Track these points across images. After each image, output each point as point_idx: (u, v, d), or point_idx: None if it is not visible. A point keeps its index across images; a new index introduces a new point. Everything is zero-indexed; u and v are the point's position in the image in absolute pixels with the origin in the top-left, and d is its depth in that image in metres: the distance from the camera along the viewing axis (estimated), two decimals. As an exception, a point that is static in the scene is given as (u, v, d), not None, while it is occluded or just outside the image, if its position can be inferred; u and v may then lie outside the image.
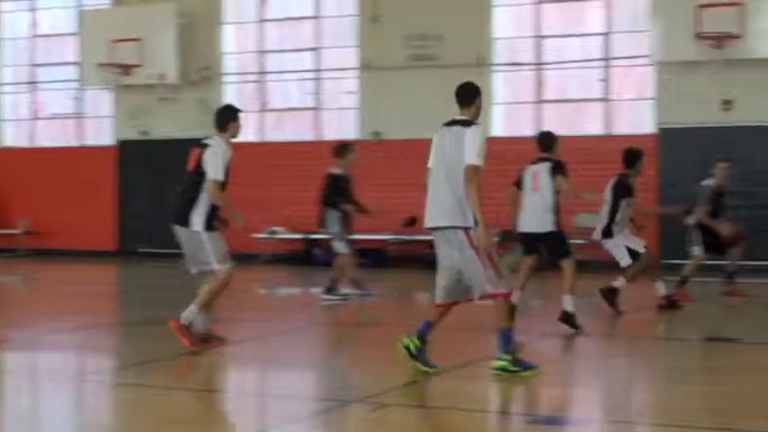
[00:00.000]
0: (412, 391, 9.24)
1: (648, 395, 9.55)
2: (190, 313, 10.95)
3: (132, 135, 25.43)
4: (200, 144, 11.05)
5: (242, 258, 23.26)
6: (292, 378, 10.27)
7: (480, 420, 8.48)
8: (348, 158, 15.86)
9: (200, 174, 10.84)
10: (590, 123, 21.94)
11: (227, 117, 11.14)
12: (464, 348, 11.79)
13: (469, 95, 10.05)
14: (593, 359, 11.32)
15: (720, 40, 19.75)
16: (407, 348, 9.74)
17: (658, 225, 20.95)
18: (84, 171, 25.66)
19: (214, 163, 10.79)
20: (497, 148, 22.01)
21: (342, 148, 16.05)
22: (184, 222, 10.86)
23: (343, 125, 23.84)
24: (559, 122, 22.10)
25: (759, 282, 18.55)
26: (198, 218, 10.84)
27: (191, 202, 10.84)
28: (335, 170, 15.80)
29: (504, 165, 21.61)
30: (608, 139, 21.62)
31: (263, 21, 24.65)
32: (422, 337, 9.77)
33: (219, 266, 10.90)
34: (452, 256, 9.71)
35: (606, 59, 21.78)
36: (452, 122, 9.92)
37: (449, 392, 9.31)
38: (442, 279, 9.79)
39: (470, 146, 9.56)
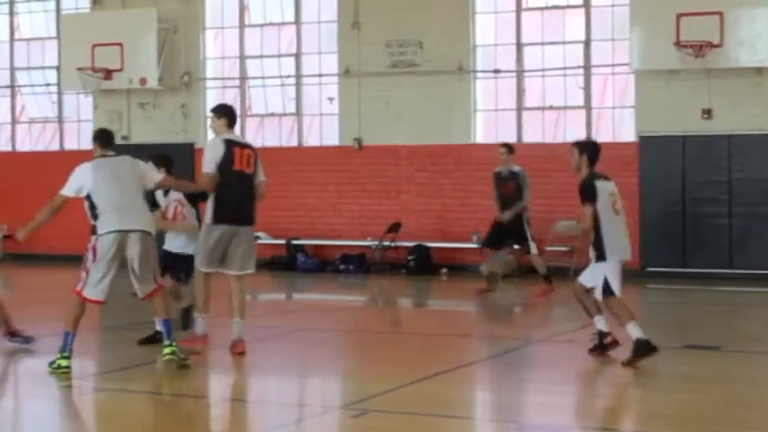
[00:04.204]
0: (394, 398, 9.24)
1: (631, 402, 9.59)
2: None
3: (112, 140, 25.31)
4: (242, 145, 11.70)
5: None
6: (275, 384, 10.28)
7: (461, 426, 8.51)
8: None
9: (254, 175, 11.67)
10: (571, 131, 21.97)
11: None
12: (445, 354, 11.82)
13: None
14: (577, 366, 11.34)
15: (700, 48, 19.81)
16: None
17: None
18: (63, 175, 25.50)
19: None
20: (478, 155, 22.13)
21: None
22: (253, 221, 11.67)
23: (324, 131, 23.82)
24: (540, 130, 22.15)
25: (748, 290, 18.63)
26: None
27: (254, 202, 11.64)
28: None
29: (485, 172, 21.68)
30: (589, 146, 21.63)
31: (244, 26, 24.63)
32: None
33: None
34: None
35: (586, 67, 21.83)
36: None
37: (431, 398, 9.32)
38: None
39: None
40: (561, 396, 9.61)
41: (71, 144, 26.24)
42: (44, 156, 26.05)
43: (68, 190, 10.95)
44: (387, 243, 22.28)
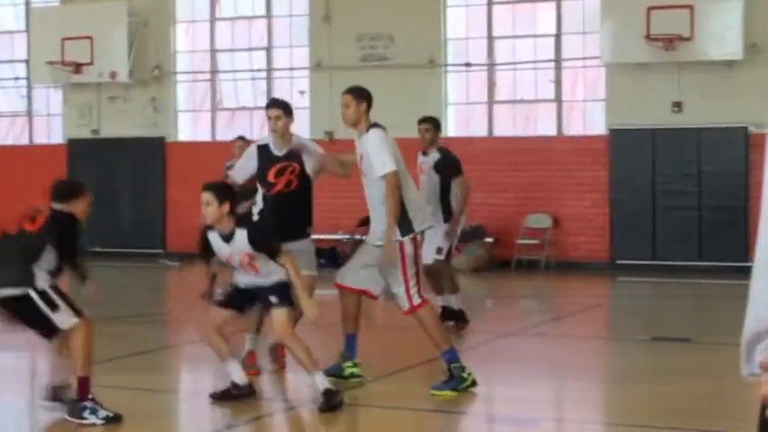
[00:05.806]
0: (374, 393, 9.23)
1: (601, 395, 9.62)
2: None
3: (82, 134, 25.24)
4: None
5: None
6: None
7: (437, 419, 8.49)
8: None
9: None
10: (542, 124, 22.02)
11: None
12: (419, 348, 11.82)
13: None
14: (548, 358, 11.37)
15: (670, 42, 19.87)
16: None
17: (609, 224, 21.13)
18: (34, 169, 25.44)
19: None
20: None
21: None
22: None
23: (295, 124, 23.72)
24: (511, 123, 22.18)
25: (713, 282, 18.73)
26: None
27: None
28: None
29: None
30: (560, 140, 21.72)
31: (214, 20, 24.55)
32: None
33: None
34: None
35: (557, 61, 21.86)
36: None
37: (402, 392, 9.31)
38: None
39: None
40: (531, 389, 9.62)
41: (40, 138, 26.11)
42: (13, 149, 25.92)
43: (392, 162, 9.06)
44: (358, 236, 22.26)
